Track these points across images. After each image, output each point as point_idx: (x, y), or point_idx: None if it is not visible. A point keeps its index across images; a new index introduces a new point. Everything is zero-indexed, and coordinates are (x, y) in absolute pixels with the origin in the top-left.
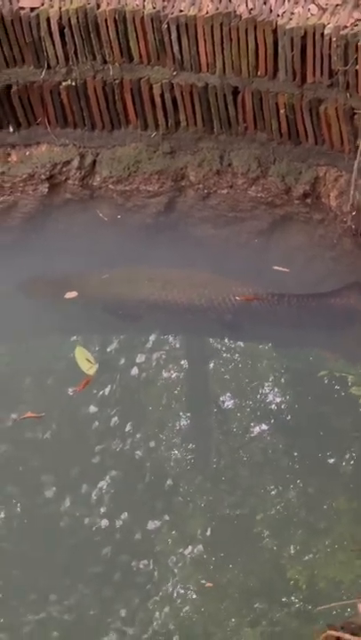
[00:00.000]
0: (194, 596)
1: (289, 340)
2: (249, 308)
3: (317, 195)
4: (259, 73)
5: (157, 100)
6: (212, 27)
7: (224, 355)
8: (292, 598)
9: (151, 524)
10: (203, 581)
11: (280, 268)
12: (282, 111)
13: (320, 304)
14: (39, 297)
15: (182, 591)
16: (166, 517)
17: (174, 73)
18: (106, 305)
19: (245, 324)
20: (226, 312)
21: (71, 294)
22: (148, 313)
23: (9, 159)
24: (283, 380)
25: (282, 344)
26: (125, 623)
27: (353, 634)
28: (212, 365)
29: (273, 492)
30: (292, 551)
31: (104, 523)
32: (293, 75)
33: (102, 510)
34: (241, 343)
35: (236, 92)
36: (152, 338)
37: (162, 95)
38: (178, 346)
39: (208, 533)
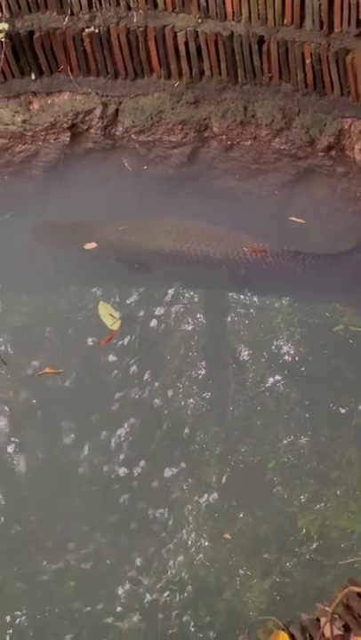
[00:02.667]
0: (207, 545)
1: (305, 295)
2: (263, 263)
3: (342, 147)
4: (285, 22)
5: (182, 48)
6: None
7: (241, 308)
8: (303, 548)
9: (168, 472)
10: (225, 535)
11: (296, 219)
12: (308, 61)
13: (334, 264)
14: (51, 243)
15: (196, 540)
16: (183, 465)
17: (199, 21)
18: (119, 254)
19: (259, 279)
20: (240, 266)
21: (90, 245)
22: (161, 264)
23: (30, 107)
24: (298, 333)
25: (298, 298)
26: (141, 572)
27: None
28: (229, 318)
29: (286, 442)
30: (304, 500)
31: (122, 470)
32: (320, 24)
33: (120, 458)
34: (257, 297)
35: (261, 41)
36: (171, 291)
37: (186, 43)
38: (196, 299)
39: (223, 482)
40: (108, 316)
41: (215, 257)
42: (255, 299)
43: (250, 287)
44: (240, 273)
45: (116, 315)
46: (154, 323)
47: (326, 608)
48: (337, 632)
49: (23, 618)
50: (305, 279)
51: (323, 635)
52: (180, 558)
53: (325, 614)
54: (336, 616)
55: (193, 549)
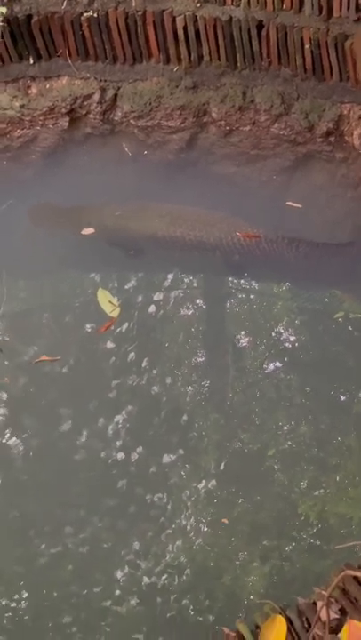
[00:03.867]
0: (206, 530)
1: (301, 282)
2: (256, 249)
3: (341, 133)
4: (284, 6)
5: (180, 33)
6: None
7: (240, 294)
8: (302, 534)
9: (166, 458)
10: (222, 519)
11: (293, 204)
12: (307, 46)
13: (328, 253)
14: (47, 225)
15: (195, 525)
16: (181, 452)
17: (198, 5)
18: (113, 238)
19: (252, 265)
20: (233, 252)
21: (88, 230)
22: (155, 249)
23: (29, 92)
24: (298, 320)
25: (298, 285)
26: (139, 556)
27: None
28: (228, 304)
29: (285, 429)
30: (304, 487)
31: (120, 456)
32: (320, 9)
33: (118, 444)
34: (257, 283)
35: (260, 26)
36: (170, 276)
37: (185, 28)
38: (195, 285)
39: (221, 468)
40: (108, 303)
41: (209, 242)
42: (255, 285)
43: (243, 273)
44: (234, 258)
45: (116, 302)
46: (152, 309)
47: (323, 592)
48: (333, 616)
49: (21, 601)
50: (298, 267)
51: (319, 618)
52: (179, 543)
53: (322, 598)
54: (333, 600)
55: (192, 534)
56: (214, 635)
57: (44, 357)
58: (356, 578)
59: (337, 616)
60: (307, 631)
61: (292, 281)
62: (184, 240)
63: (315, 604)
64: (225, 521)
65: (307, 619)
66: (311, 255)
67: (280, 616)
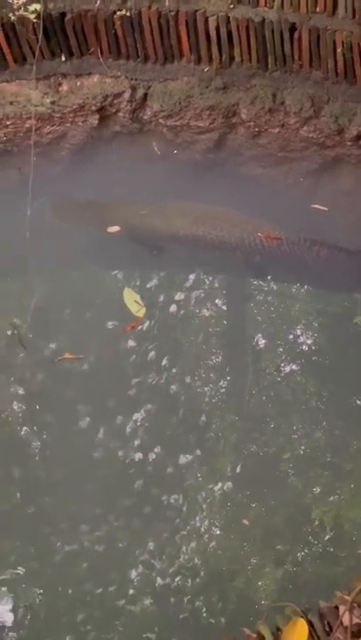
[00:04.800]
0: (220, 533)
1: (325, 285)
2: (278, 251)
3: None
4: (317, 9)
5: (212, 33)
6: None
7: (260, 296)
8: (316, 539)
9: (183, 459)
10: (243, 520)
11: (319, 207)
12: (339, 50)
13: (347, 259)
14: (69, 220)
15: (209, 527)
16: (198, 452)
17: (231, 6)
18: (136, 235)
19: (273, 267)
20: (255, 253)
21: (114, 229)
22: (177, 247)
23: (60, 89)
24: (316, 322)
25: (318, 288)
26: (153, 556)
27: None
28: (248, 306)
29: (301, 432)
30: (318, 492)
31: (137, 455)
32: (353, 12)
33: (136, 443)
34: (277, 285)
35: (293, 28)
36: (192, 276)
37: (217, 29)
38: (216, 285)
39: (237, 470)
40: (134, 302)
41: (230, 242)
42: (274, 286)
43: (264, 274)
44: (255, 259)
45: (141, 302)
46: (173, 308)
47: (346, 596)
48: (356, 620)
49: (36, 598)
50: (318, 270)
51: (341, 623)
52: (193, 544)
53: (344, 602)
54: (355, 604)
55: (206, 536)
56: (233, 636)
57: (67, 355)
58: None
59: (359, 621)
60: (328, 635)
61: (312, 284)
62: (205, 239)
63: (337, 607)
64: (246, 522)
65: (328, 623)
66: (332, 259)
67: (302, 619)
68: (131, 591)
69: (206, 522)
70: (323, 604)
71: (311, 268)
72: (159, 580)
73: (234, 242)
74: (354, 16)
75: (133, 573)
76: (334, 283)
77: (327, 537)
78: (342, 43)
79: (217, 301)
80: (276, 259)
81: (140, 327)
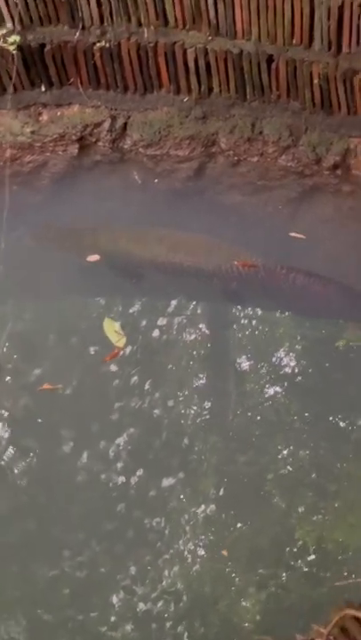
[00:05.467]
0: (203, 556)
1: (301, 313)
2: (255, 278)
3: (348, 166)
4: (294, 41)
5: (191, 64)
6: None
7: (242, 320)
8: (299, 561)
9: (165, 482)
10: (222, 551)
11: (297, 235)
12: (316, 80)
13: (323, 288)
14: (49, 244)
15: (192, 550)
16: (181, 475)
17: (209, 38)
18: (112, 261)
19: (250, 294)
20: (231, 280)
21: (93, 257)
22: (154, 273)
23: (40, 118)
24: (299, 346)
25: (295, 314)
26: (136, 581)
27: None
28: (230, 330)
29: (285, 454)
30: (302, 512)
31: (120, 479)
32: (329, 44)
33: (118, 466)
34: (259, 309)
35: (270, 59)
36: (174, 301)
37: (196, 60)
38: (199, 310)
39: (220, 493)
40: (114, 332)
41: (207, 269)
42: (257, 311)
43: (240, 301)
44: (231, 286)
45: (121, 331)
46: (156, 333)
47: (322, 630)
48: None
49: (17, 624)
50: (294, 298)
51: None
52: (176, 568)
53: (321, 636)
54: (331, 638)
55: (189, 560)
56: None
57: (46, 386)
58: (355, 617)
59: None
60: None
61: (289, 311)
62: (182, 266)
63: None
64: (225, 553)
65: None
66: (308, 287)
67: None
68: (112, 617)
69: (189, 545)
70: (299, 638)
71: (288, 296)
72: (141, 605)
73: (211, 269)
74: (330, 48)
75: (115, 599)
76: (310, 310)
77: (311, 558)
78: (319, 74)
79: (199, 326)
80: (252, 286)
81: (122, 352)
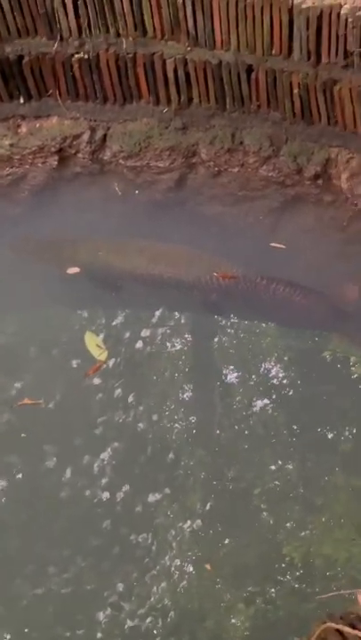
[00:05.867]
0: (190, 572)
1: (283, 322)
2: (235, 289)
3: (329, 176)
4: (273, 52)
5: (170, 75)
6: (227, 3)
7: (228, 330)
8: (287, 576)
9: (152, 497)
10: (206, 565)
11: (277, 245)
12: (295, 91)
13: (304, 298)
14: (28, 256)
15: (180, 566)
16: (167, 490)
17: (188, 49)
18: (92, 272)
19: (230, 305)
20: (212, 291)
21: (73, 270)
22: (132, 285)
23: (19, 131)
24: (286, 357)
25: (277, 325)
26: (122, 598)
27: (352, 625)
28: (215, 341)
29: (272, 467)
30: (289, 527)
31: (105, 495)
32: (308, 54)
33: (103, 482)
34: (245, 320)
35: (250, 70)
36: (157, 312)
37: (175, 71)
38: (183, 321)
39: (207, 507)
40: (95, 346)
41: (187, 280)
42: (242, 322)
43: (220, 312)
44: (212, 297)
45: (102, 345)
46: (140, 344)
47: None
48: None
49: None
50: (274, 309)
51: None
52: (163, 584)
53: None
54: None
55: (176, 576)
56: None
57: (26, 401)
58: (337, 630)
59: None
60: None
61: (271, 321)
62: (162, 278)
63: None
64: (208, 567)
65: None
66: (288, 298)
67: None
68: (99, 634)
69: (176, 561)
70: None
71: (269, 307)
72: (128, 622)
73: (191, 280)
74: (309, 58)
75: (102, 616)
76: (291, 321)
77: (298, 573)
78: (299, 84)
79: (184, 337)
80: (233, 297)
81: (105, 365)
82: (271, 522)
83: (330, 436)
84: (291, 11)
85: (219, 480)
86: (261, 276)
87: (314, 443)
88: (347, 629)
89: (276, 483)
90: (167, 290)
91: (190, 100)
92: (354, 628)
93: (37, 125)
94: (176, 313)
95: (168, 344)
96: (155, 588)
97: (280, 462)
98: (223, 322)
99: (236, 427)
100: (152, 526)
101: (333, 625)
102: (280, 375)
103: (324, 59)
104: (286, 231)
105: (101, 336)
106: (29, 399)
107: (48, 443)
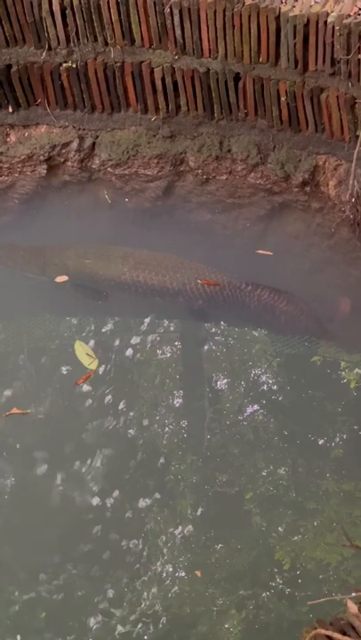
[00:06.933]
0: (182, 577)
1: (269, 328)
2: (220, 296)
3: (316, 183)
4: (261, 59)
5: (158, 83)
6: (214, 12)
7: (217, 337)
8: (279, 580)
9: (142, 503)
10: (196, 572)
11: (264, 252)
12: (283, 98)
13: (288, 306)
14: (11, 265)
15: (170, 572)
16: (157, 496)
17: (176, 57)
18: (76, 279)
19: (215, 311)
20: (196, 298)
21: (62, 278)
22: (116, 292)
23: (7, 139)
24: (275, 363)
25: (263, 330)
26: (113, 604)
27: (342, 631)
28: (205, 347)
29: (263, 472)
30: (281, 531)
31: (95, 501)
32: (295, 62)
33: (94, 488)
34: (234, 327)
35: (237, 77)
36: (147, 320)
37: (163, 79)
38: (172, 328)
39: (198, 513)
40: (85, 355)
41: (172, 287)
42: (232, 328)
43: (206, 318)
44: (197, 304)
45: (93, 353)
46: (129, 352)
47: None
48: None
49: None
50: (259, 315)
51: None
52: (154, 590)
53: None
54: None
55: (167, 581)
56: None
57: (14, 410)
58: (327, 636)
59: None
60: None
61: (256, 327)
62: (147, 285)
63: None
64: (198, 574)
65: None
66: (273, 304)
67: None
68: None
69: (167, 566)
70: None
71: (253, 313)
72: (119, 628)
73: (176, 287)
74: (296, 66)
75: (92, 621)
76: (276, 327)
77: (290, 577)
78: (286, 92)
79: (174, 344)
80: (218, 303)
81: (96, 371)
82: (262, 527)
83: (320, 441)
84: (278, 19)
85: (210, 485)
86: (246, 283)
87: (305, 447)
88: (337, 636)
89: (268, 487)
90: (152, 297)
91: (178, 108)
92: (344, 634)
93: (26, 134)
94: (165, 320)
95: (158, 351)
96: (146, 593)
97: (271, 467)
98: (213, 329)
99: (227, 432)
100: (143, 532)
101: (323, 631)
102: (270, 381)
103: (311, 66)
104: (274, 238)
105: (91, 343)
106: (17, 409)
107: (38, 449)
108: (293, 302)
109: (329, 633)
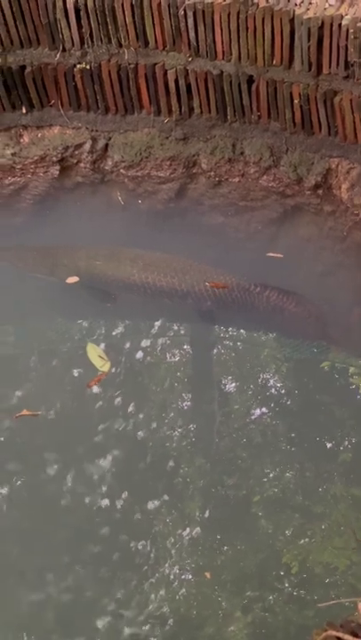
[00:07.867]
0: (190, 579)
1: (278, 330)
2: (228, 297)
3: (329, 186)
4: (274, 62)
5: (172, 85)
6: (228, 14)
7: (227, 341)
8: (286, 584)
9: (151, 505)
10: (206, 573)
11: (274, 255)
12: (296, 101)
13: (297, 308)
14: (22, 266)
15: (178, 574)
16: (166, 498)
17: (189, 59)
18: (85, 281)
19: (224, 312)
20: (205, 299)
21: (72, 279)
22: (125, 293)
23: (21, 140)
24: (284, 367)
25: (274, 333)
26: (121, 605)
27: (353, 633)
28: (215, 351)
29: (271, 476)
30: (288, 535)
31: (104, 502)
32: (309, 65)
33: (103, 490)
34: (244, 331)
35: (250, 80)
36: (157, 323)
37: (176, 81)
38: (182, 331)
39: (206, 515)
40: (97, 357)
41: (180, 289)
42: (241, 332)
43: (215, 320)
44: (205, 306)
45: (105, 356)
46: (140, 354)
47: None
48: None
49: None
50: (267, 317)
51: None
52: (162, 592)
53: None
54: None
55: (175, 583)
56: None
57: (25, 412)
58: (338, 638)
59: None
60: None
61: (266, 329)
62: (156, 286)
63: None
64: (208, 575)
65: None
66: (282, 306)
67: None
68: None
69: (175, 568)
70: None
71: (263, 314)
72: (127, 630)
73: (184, 289)
74: (310, 69)
75: (101, 623)
76: (285, 329)
77: (297, 581)
78: (299, 94)
79: (183, 347)
80: (226, 305)
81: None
82: (270, 530)
83: (329, 445)
84: (292, 21)
85: (218, 488)
86: (255, 284)
87: (313, 451)
88: (348, 637)
89: (275, 491)
90: (160, 298)
91: (191, 110)
92: (355, 636)
93: (39, 135)
94: (176, 323)
95: (168, 354)
96: (154, 595)
97: (279, 471)
98: (223, 332)
99: (235, 435)
100: (151, 534)
101: (334, 633)
102: (279, 385)
103: (324, 69)
104: (287, 241)
105: (102, 346)
106: (28, 410)
107: (48, 450)
108: (303, 304)
109: (340, 635)
